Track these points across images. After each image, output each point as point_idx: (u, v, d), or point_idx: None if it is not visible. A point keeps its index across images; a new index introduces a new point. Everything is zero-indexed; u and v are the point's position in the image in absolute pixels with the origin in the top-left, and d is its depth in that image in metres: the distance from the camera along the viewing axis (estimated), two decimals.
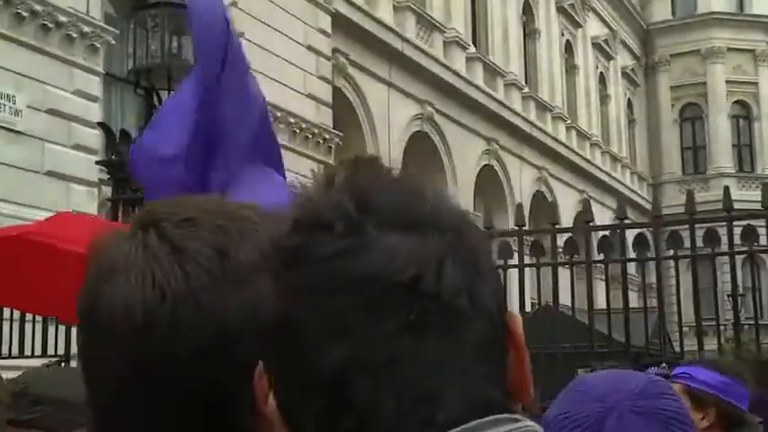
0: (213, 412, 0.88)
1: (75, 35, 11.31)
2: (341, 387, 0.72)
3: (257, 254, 0.88)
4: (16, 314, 7.96)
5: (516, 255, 7.15)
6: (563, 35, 30.38)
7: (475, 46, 24.45)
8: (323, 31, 16.68)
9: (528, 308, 7.55)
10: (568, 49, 30.89)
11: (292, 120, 15.47)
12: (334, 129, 16.65)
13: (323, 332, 0.72)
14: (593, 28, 32.68)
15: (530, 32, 28.34)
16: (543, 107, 27.85)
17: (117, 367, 0.88)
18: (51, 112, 10.96)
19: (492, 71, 24.73)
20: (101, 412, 0.92)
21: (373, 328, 0.72)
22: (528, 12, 28.22)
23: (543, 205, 24.21)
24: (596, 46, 32.87)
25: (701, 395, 2.92)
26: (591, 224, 6.95)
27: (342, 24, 17.53)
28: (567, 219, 21.82)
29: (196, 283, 0.87)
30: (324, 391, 0.72)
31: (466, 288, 0.74)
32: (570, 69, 30.94)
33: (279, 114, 15.13)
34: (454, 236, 0.76)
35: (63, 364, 7.50)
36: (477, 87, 23.35)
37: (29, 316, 7.79)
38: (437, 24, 22.04)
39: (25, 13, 10.67)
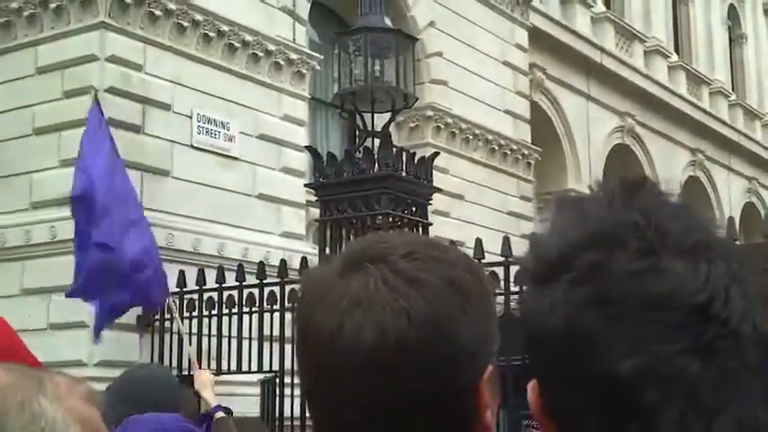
0: (447, 422, 0.96)
1: (282, 62, 11.82)
2: (631, 394, 0.78)
3: (471, 278, 1.00)
4: (234, 331, 8.37)
5: None
6: None
7: (677, 54, 23.69)
8: (520, 47, 16.65)
9: None
10: None
11: (490, 137, 15.50)
12: (532, 144, 16.56)
13: (619, 343, 0.79)
14: None
15: (735, 37, 27.16)
16: (752, 115, 26.60)
17: (369, 390, 0.96)
18: (262, 137, 11.46)
19: (696, 79, 23.88)
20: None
21: (667, 345, 0.78)
22: (733, 16, 27.06)
23: (754, 217, 23.10)
24: None
25: None
26: None
27: (538, 38, 17.41)
28: None
29: (433, 308, 0.96)
30: (614, 397, 0.79)
31: (750, 314, 0.81)
32: None
33: (477, 132, 15.21)
34: (738, 264, 0.83)
35: (277, 380, 7.84)
36: (680, 97, 22.60)
37: (245, 333, 8.16)
38: (637, 33, 21.52)
39: (237, 44, 11.25)
